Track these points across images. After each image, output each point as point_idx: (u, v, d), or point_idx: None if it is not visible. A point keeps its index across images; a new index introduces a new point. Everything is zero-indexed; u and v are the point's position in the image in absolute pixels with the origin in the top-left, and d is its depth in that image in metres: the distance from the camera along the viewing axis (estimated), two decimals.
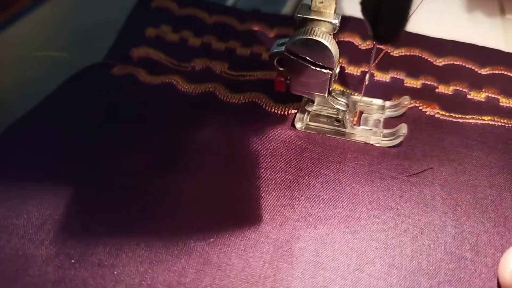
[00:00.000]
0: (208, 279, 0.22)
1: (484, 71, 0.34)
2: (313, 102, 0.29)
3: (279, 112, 0.30)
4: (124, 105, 0.31)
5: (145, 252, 0.23)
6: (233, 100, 0.31)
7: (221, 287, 0.22)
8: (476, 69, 0.34)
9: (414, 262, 0.23)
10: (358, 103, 0.31)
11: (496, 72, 0.34)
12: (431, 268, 0.22)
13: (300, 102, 0.31)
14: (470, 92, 0.32)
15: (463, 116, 0.30)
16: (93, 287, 0.21)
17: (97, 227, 0.24)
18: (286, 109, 0.31)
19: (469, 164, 0.27)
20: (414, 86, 0.33)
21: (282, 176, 0.26)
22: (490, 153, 0.28)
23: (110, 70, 0.33)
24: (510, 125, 0.30)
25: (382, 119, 0.30)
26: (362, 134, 0.29)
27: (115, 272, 0.22)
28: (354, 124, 0.30)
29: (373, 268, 0.22)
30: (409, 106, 0.31)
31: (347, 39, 0.36)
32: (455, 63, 0.34)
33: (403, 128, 0.28)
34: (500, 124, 0.30)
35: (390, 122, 0.30)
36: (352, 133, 0.29)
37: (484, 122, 0.30)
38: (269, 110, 0.31)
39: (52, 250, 0.23)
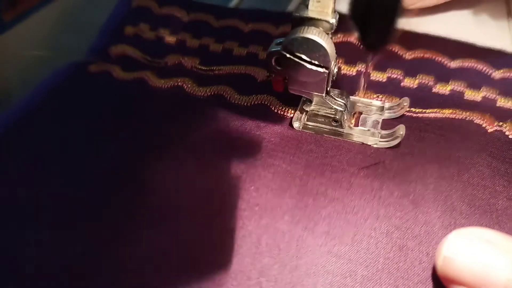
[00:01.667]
0: None
1: (453, 64, 0.33)
2: (311, 102, 0.29)
3: (241, 104, 0.31)
4: (96, 101, 0.32)
5: None
6: (199, 93, 0.32)
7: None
8: (445, 62, 0.33)
9: (353, 250, 0.23)
10: (357, 104, 0.30)
11: (466, 64, 0.33)
12: (369, 256, 0.23)
13: (252, 95, 0.31)
14: (436, 85, 0.32)
15: (423, 111, 0.30)
16: None
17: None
18: (251, 101, 0.31)
19: (421, 157, 0.27)
20: (380, 79, 0.33)
21: (236, 166, 0.27)
22: (446, 146, 0.28)
23: (86, 68, 0.34)
24: (470, 118, 0.29)
25: (380, 120, 0.29)
26: (360, 134, 0.28)
27: None
28: (353, 125, 0.29)
29: (312, 256, 0.23)
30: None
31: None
32: (425, 56, 0.34)
33: (401, 129, 0.27)
34: (460, 117, 0.29)
35: (388, 123, 0.29)
36: (350, 134, 0.29)
37: (444, 116, 0.30)
38: (234, 102, 0.31)
39: None
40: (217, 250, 0.24)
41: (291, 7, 0.42)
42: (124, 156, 0.28)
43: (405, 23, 0.35)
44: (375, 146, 0.28)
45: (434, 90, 0.32)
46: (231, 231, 0.24)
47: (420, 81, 0.32)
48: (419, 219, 0.24)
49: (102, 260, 0.23)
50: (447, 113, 0.30)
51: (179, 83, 0.32)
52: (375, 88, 0.32)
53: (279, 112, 0.30)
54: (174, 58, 0.34)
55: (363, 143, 0.28)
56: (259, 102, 0.31)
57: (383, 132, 0.28)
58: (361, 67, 0.33)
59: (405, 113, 0.30)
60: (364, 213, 0.25)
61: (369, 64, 0.28)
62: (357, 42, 0.34)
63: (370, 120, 0.30)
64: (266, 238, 0.24)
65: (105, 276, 0.23)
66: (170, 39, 0.36)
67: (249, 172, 0.27)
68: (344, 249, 0.23)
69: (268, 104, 0.31)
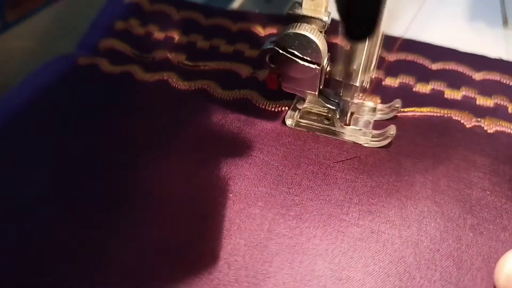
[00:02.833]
0: None
1: (434, 66, 0.34)
2: (304, 100, 0.29)
3: (224, 98, 0.32)
4: (83, 94, 0.32)
5: None
6: (183, 87, 0.32)
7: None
8: (427, 64, 0.34)
9: (325, 232, 0.23)
10: (350, 104, 0.30)
11: (447, 67, 0.34)
12: (340, 237, 0.23)
13: (235, 90, 0.32)
14: (416, 85, 0.32)
15: (402, 110, 0.30)
16: None
17: None
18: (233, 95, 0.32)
19: (397, 152, 0.27)
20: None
21: (215, 157, 0.27)
22: (422, 142, 0.28)
23: (75, 61, 0.35)
24: (448, 115, 0.30)
25: (372, 121, 0.30)
26: (352, 133, 0.29)
27: None
28: (345, 124, 0.29)
29: (283, 237, 0.23)
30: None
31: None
32: (407, 58, 0.35)
33: (392, 129, 0.28)
34: (438, 115, 0.30)
35: (380, 124, 0.29)
36: (342, 132, 0.29)
37: (422, 114, 0.30)
38: (217, 97, 0.32)
39: None
40: (189, 234, 0.24)
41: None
42: (110, 149, 0.28)
43: (398, 29, 0.36)
44: (366, 145, 0.28)
45: (414, 89, 0.32)
46: (204, 217, 0.24)
47: (401, 81, 0.33)
48: (392, 206, 0.24)
49: (95, 255, 0.23)
50: (425, 111, 0.30)
51: (165, 77, 0.33)
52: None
53: (261, 106, 0.31)
54: (162, 53, 0.35)
55: (354, 142, 0.28)
56: (242, 97, 0.31)
57: (374, 131, 0.28)
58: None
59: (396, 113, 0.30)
60: (337, 200, 0.25)
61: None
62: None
63: (362, 120, 0.30)
64: (238, 222, 0.24)
65: (98, 271, 0.23)
66: (159, 35, 0.37)
67: (228, 162, 0.27)
68: (315, 231, 0.23)
69: (251, 99, 0.31)
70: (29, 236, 0.24)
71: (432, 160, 0.27)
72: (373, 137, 0.28)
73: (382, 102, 0.31)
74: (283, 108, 0.30)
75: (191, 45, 0.36)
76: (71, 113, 0.31)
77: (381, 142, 0.28)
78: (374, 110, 0.30)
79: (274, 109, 0.30)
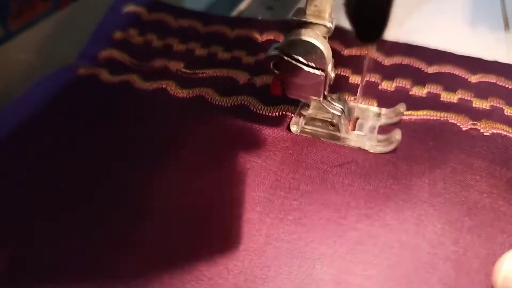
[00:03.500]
0: None
1: (430, 70, 0.34)
2: (308, 106, 0.29)
3: (222, 105, 0.32)
4: (84, 104, 0.33)
5: None
6: (182, 95, 0.33)
7: None
8: (423, 68, 0.34)
9: (324, 236, 0.24)
10: (354, 109, 0.31)
11: (443, 70, 0.34)
12: (338, 241, 0.23)
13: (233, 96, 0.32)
14: (412, 88, 0.32)
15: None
16: None
17: None
18: (231, 101, 0.32)
19: (393, 156, 0.28)
20: (359, 82, 0.33)
21: (214, 163, 0.28)
22: (418, 145, 0.28)
23: (75, 72, 0.35)
24: (445, 118, 0.30)
25: (377, 126, 0.30)
26: (357, 139, 0.29)
27: None
28: (350, 129, 0.30)
29: (281, 242, 0.24)
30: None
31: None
32: (403, 62, 0.35)
33: (397, 134, 0.28)
34: (435, 118, 0.30)
35: (385, 129, 0.30)
36: (347, 138, 0.29)
37: (418, 117, 0.30)
38: (215, 103, 0.32)
39: None
40: (188, 239, 0.24)
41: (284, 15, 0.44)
42: (111, 159, 0.28)
43: (401, 34, 0.36)
44: (371, 151, 0.28)
45: (411, 93, 0.32)
46: (203, 223, 0.25)
47: (397, 84, 0.33)
48: (389, 210, 0.25)
49: (103, 262, 0.23)
50: (421, 114, 0.30)
51: (163, 86, 0.33)
52: (353, 90, 0.32)
53: (258, 112, 0.31)
54: (160, 62, 0.35)
55: (359, 148, 0.28)
56: (240, 103, 0.32)
57: (380, 137, 0.29)
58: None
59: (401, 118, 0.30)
60: (335, 204, 0.25)
61: (365, 69, 0.28)
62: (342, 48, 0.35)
63: (367, 125, 0.30)
64: (237, 227, 0.24)
65: (106, 277, 0.23)
66: (158, 43, 0.38)
67: (226, 168, 0.27)
68: (313, 235, 0.23)
69: (248, 105, 0.31)
70: (34, 247, 0.24)
71: (429, 164, 0.27)
72: (378, 142, 0.28)
73: (378, 106, 0.31)
74: (280, 113, 0.31)
75: (189, 53, 0.37)
76: (73, 125, 0.31)
77: (387, 147, 0.28)
78: (378, 115, 0.31)
79: (272, 114, 0.31)
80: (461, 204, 0.25)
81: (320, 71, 0.27)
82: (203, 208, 0.25)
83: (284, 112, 0.31)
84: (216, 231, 0.24)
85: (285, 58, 0.27)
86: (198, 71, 0.35)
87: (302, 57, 0.27)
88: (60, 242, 0.24)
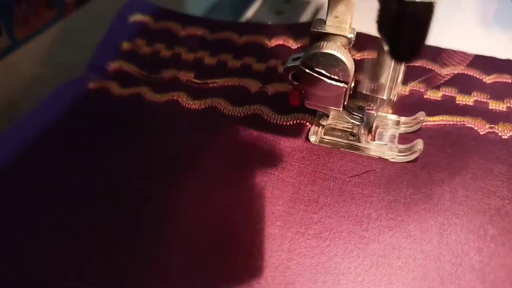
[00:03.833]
0: None
1: (444, 71, 0.34)
2: (327, 116, 0.29)
3: (235, 115, 0.32)
4: (96, 119, 0.33)
5: None
6: (194, 107, 0.32)
7: None
8: (436, 70, 0.34)
9: (346, 249, 0.24)
10: (374, 118, 0.30)
11: (456, 72, 0.34)
12: (362, 254, 0.23)
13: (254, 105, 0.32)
14: (427, 92, 0.32)
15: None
16: None
17: None
18: (243, 110, 0.32)
19: (411, 165, 0.27)
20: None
21: (230, 177, 0.28)
22: (435, 153, 0.28)
23: (85, 85, 0.35)
24: (461, 122, 0.30)
25: (397, 135, 0.30)
26: (377, 149, 0.28)
27: None
28: (370, 139, 0.29)
29: (304, 257, 0.23)
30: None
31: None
32: (415, 64, 0.34)
33: (419, 144, 0.27)
34: (451, 123, 0.30)
35: (405, 137, 0.29)
36: (367, 148, 0.29)
37: (434, 123, 0.30)
38: (228, 114, 0.32)
39: None
40: (209, 257, 0.24)
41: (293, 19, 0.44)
42: (125, 174, 0.28)
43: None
44: (392, 160, 0.28)
45: (425, 96, 0.32)
46: (224, 240, 0.24)
47: (412, 88, 0.32)
48: (411, 220, 0.24)
49: (124, 279, 0.23)
50: (437, 120, 0.30)
51: (174, 98, 0.33)
52: (364, 96, 0.32)
53: (272, 121, 0.31)
54: (170, 72, 0.35)
55: (380, 157, 0.28)
56: (253, 112, 0.31)
57: (401, 146, 0.28)
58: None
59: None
60: (356, 216, 0.25)
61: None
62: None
63: (386, 134, 0.30)
64: (258, 243, 0.24)
65: None
66: (166, 53, 0.37)
67: (243, 181, 0.27)
68: (336, 250, 0.23)
69: (261, 114, 0.31)
70: (49, 263, 0.24)
71: (448, 171, 0.27)
72: (399, 152, 0.28)
73: (393, 112, 0.31)
74: (294, 122, 0.30)
75: (199, 62, 0.36)
76: (86, 142, 0.31)
77: (408, 156, 0.27)
78: (398, 123, 0.30)
79: (286, 123, 0.30)
80: (483, 211, 0.24)
81: (343, 83, 0.26)
82: (222, 224, 0.25)
83: (298, 121, 0.30)
84: (236, 248, 0.24)
85: (307, 71, 0.26)
86: (209, 81, 0.34)
87: (325, 70, 0.26)
88: (82, 260, 0.24)
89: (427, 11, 0.18)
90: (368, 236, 0.24)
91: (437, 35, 0.37)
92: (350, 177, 0.27)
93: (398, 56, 0.21)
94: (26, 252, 0.24)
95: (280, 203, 0.26)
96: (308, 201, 0.26)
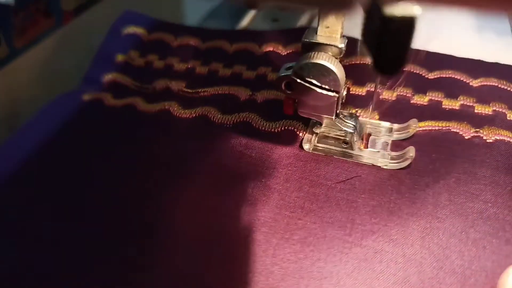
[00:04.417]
0: None
1: (431, 76, 0.34)
2: (320, 124, 0.30)
3: (224, 123, 0.32)
4: (90, 130, 0.33)
5: None
6: (185, 116, 0.33)
7: None
8: (423, 74, 0.34)
9: (329, 254, 0.24)
10: (366, 125, 0.31)
11: (444, 76, 0.34)
12: (344, 258, 0.24)
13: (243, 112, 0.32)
14: (413, 97, 0.32)
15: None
16: None
17: None
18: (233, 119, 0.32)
19: (396, 170, 0.28)
20: (360, 93, 0.33)
21: (218, 184, 0.28)
22: (421, 159, 0.28)
23: (81, 97, 0.36)
24: (447, 127, 0.30)
25: (390, 142, 0.30)
26: (370, 156, 0.29)
27: None
28: (363, 146, 0.30)
29: (288, 262, 0.24)
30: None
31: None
32: (403, 69, 0.34)
33: (411, 151, 0.28)
34: (436, 128, 0.30)
35: (398, 145, 0.30)
36: (360, 155, 0.29)
37: (420, 129, 0.30)
38: (216, 122, 0.32)
39: None
40: (194, 263, 0.24)
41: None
42: (119, 185, 0.29)
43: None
44: (385, 167, 0.28)
45: (412, 101, 0.32)
46: (210, 245, 0.25)
47: (399, 93, 0.33)
48: (394, 224, 0.25)
49: (116, 283, 0.24)
50: (423, 125, 0.30)
51: (166, 107, 0.34)
52: (355, 102, 0.32)
53: (261, 128, 0.31)
54: (162, 83, 0.36)
55: (373, 165, 0.28)
56: (242, 120, 0.32)
57: (393, 153, 0.29)
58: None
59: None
60: (340, 222, 0.25)
61: (378, 86, 0.29)
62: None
63: (379, 141, 0.30)
64: (243, 249, 0.24)
65: None
66: (159, 64, 0.38)
67: (230, 188, 0.28)
68: (319, 254, 0.24)
69: (250, 121, 0.32)
70: (53, 268, 0.25)
71: (432, 176, 0.27)
72: (392, 159, 0.28)
73: (380, 117, 0.31)
74: (282, 129, 0.31)
75: (190, 71, 0.37)
76: (81, 152, 0.31)
77: (401, 164, 0.28)
78: (390, 130, 0.31)
79: (274, 130, 0.31)
80: (465, 215, 0.25)
81: (334, 92, 0.27)
82: (209, 231, 0.26)
83: (286, 128, 0.31)
84: (222, 254, 0.24)
85: (298, 80, 0.27)
86: (200, 90, 0.35)
87: (316, 80, 0.27)
88: (68, 266, 0.25)
89: (408, 26, 0.18)
90: (351, 240, 0.24)
91: (426, 39, 0.38)
92: (336, 183, 0.27)
93: (381, 69, 0.21)
94: (19, 262, 0.25)
95: (266, 210, 0.26)
96: (294, 207, 0.26)
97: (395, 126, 0.31)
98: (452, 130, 0.29)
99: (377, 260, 0.23)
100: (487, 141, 0.29)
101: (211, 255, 0.25)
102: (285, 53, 0.37)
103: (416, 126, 0.30)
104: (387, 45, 0.19)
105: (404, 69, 0.35)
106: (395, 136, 0.30)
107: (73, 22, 0.43)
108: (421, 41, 0.36)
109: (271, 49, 0.38)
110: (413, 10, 0.17)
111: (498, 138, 0.29)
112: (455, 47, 0.37)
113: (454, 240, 0.24)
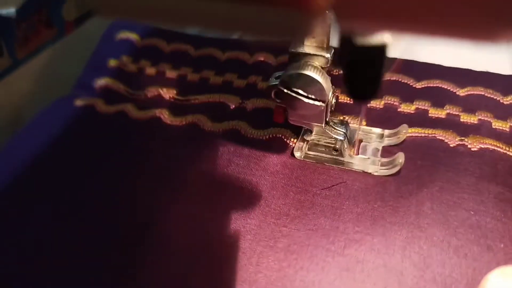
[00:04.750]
0: None
1: (419, 85, 0.34)
2: (311, 131, 0.30)
3: (214, 131, 0.33)
4: (82, 136, 0.34)
5: None
6: (175, 123, 0.33)
7: None
8: (411, 84, 0.34)
9: (312, 263, 0.24)
10: (357, 132, 0.31)
11: (431, 85, 0.34)
12: (326, 267, 0.24)
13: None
14: (400, 105, 0.33)
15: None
16: None
17: None
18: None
19: (381, 177, 0.28)
20: (348, 101, 0.34)
21: (205, 192, 0.29)
22: (405, 165, 0.28)
23: (72, 104, 0.36)
24: (433, 134, 0.30)
25: (380, 148, 0.30)
26: (360, 163, 0.29)
27: None
28: (353, 153, 0.30)
29: (271, 270, 0.24)
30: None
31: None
32: (390, 78, 0.35)
33: (400, 157, 0.28)
34: (422, 135, 0.30)
35: (388, 151, 0.30)
36: (350, 162, 0.29)
37: (408, 135, 0.30)
38: (206, 130, 0.33)
39: None
40: (180, 273, 0.25)
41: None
42: (109, 193, 0.29)
43: (404, 51, 0.36)
44: (375, 174, 0.28)
45: (399, 109, 0.33)
46: (198, 255, 0.25)
47: (386, 101, 0.33)
48: (377, 232, 0.25)
49: None
50: (410, 132, 0.30)
51: (157, 114, 0.34)
52: (343, 109, 0.33)
53: (249, 136, 0.32)
54: (154, 90, 0.36)
55: (363, 171, 0.29)
56: (231, 128, 0.32)
57: (383, 160, 0.29)
58: None
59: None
60: (324, 229, 0.26)
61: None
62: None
63: (370, 148, 0.30)
64: (227, 257, 0.25)
65: None
66: (151, 70, 0.38)
67: (216, 196, 0.28)
68: (302, 263, 0.24)
69: (239, 129, 0.32)
70: (48, 277, 0.25)
71: (417, 183, 0.27)
72: (382, 165, 0.29)
73: (367, 125, 0.32)
74: (270, 136, 0.31)
75: (182, 79, 0.38)
76: (72, 160, 0.32)
77: (391, 170, 0.28)
78: (381, 136, 0.31)
79: (262, 138, 0.31)
80: (447, 224, 0.25)
81: (321, 102, 0.27)
82: (195, 238, 0.26)
83: (274, 135, 0.31)
84: (207, 262, 0.25)
85: (285, 90, 0.27)
86: (191, 98, 0.36)
87: (302, 90, 0.27)
88: (62, 274, 0.25)
89: (379, 54, 0.18)
90: (334, 249, 0.25)
91: (425, 50, 0.38)
92: (322, 189, 0.28)
93: (354, 96, 0.21)
94: (14, 267, 0.26)
95: (252, 217, 0.27)
96: (279, 214, 0.27)
97: (386, 132, 0.31)
98: (437, 137, 0.30)
99: (359, 269, 0.24)
100: (472, 149, 0.29)
101: (197, 262, 0.25)
102: (276, 63, 0.38)
103: (406, 131, 0.30)
104: (359, 73, 0.20)
105: (391, 77, 0.35)
106: (386, 142, 0.31)
107: (75, 32, 0.43)
108: (409, 50, 0.37)
109: (262, 58, 0.38)
110: (384, 38, 0.17)
111: (483, 146, 0.29)
112: (449, 55, 0.37)
113: (435, 248, 0.24)
